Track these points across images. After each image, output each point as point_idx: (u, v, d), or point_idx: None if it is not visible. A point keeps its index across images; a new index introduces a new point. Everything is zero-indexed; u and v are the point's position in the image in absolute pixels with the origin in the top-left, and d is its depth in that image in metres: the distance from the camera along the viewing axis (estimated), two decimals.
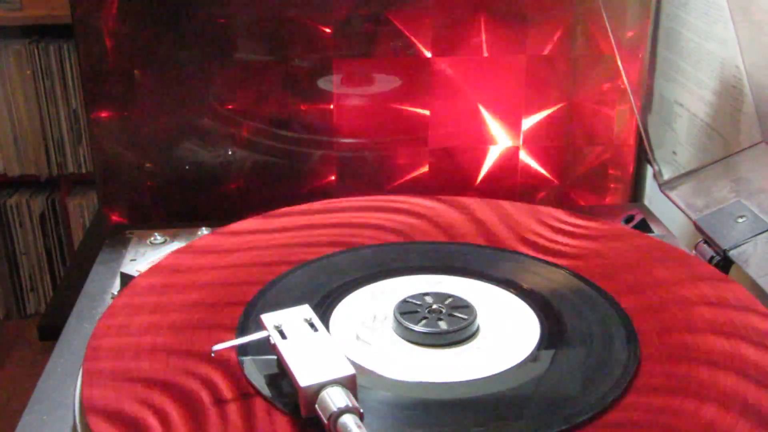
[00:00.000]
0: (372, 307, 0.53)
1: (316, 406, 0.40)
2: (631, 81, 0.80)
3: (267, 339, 0.45)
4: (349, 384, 0.41)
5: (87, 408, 0.43)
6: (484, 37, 0.80)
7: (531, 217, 0.66)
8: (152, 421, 0.42)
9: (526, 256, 0.60)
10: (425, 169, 0.85)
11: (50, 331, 0.89)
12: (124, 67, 0.77)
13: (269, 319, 0.46)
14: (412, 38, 0.79)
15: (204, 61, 0.78)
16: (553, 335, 0.50)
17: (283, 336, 0.45)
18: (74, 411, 0.47)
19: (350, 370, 0.41)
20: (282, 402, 0.43)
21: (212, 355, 0.45)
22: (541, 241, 0.62)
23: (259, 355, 0.47)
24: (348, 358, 0.43)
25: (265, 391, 0.44)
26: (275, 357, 0.45)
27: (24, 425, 0.49)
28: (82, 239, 1.56)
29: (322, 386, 0.40)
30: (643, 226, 0.75)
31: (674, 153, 0.75)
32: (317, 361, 0.42)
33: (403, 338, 0.50)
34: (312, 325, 0.45)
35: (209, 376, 0.45)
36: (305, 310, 0.47)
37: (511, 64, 0.81)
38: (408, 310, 0.51)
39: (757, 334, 0.49)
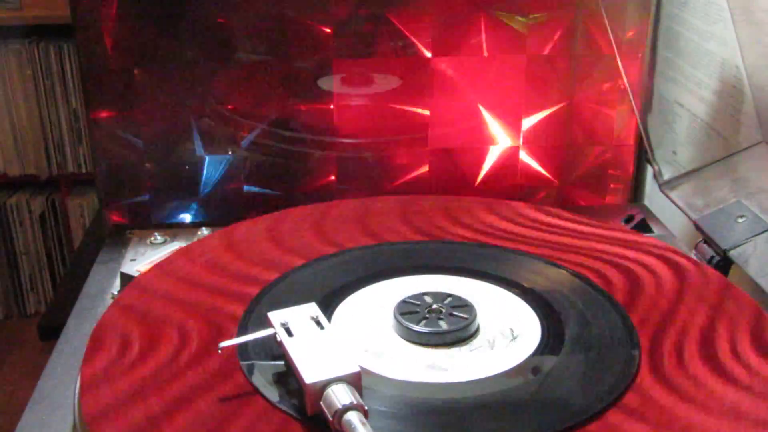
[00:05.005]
0: (372, 306, 0.53)
1: (321, 403, 0.40)
2: (631, 81, 0.80)
3: (273, 336, 0.45)
4: (354, 381, 0.41)
5: (86, 408, 0.43)
6: (484, 36, 0.80)
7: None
8: (153, 422, 0.42)
9: (527, 254, 0.60)
10: (425, 169, 0.85)
11: (50, 331, 0.89)
12: (124, 67, 0.77)
13: (276, 316, 0.46)
14: (412, 38, 0.79)
15: (204, 61, 0.78)
16: (553, 335, 0.50)
17: (289, 333, 0.45)
18: (74, 411, 0.47)
19: (355, 368, 0.41)
20: (286, 401, 0.43)
21: (219, 351, 0.45)
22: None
23: (263, 355, 0.47)
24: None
25: (268, 390, 0.44)
26: (281, 356, 0.45)
27: (24, 425, 0.49)
28: (82, 239, 1.55)
29: (327, 383, 0.41)
30: (643, 226, 0.75)
31: (674, 153, 0.75)
32: (323, 358, 0.42)
33: (403, 338, 0.50)
34: (318, 323, 0.46)
35: (212, 375, 0.45)
36: (312, 308, 0.47)
37: (511, 64, 0.81)
38: (408, 310, 0.51)
39: (757, 335, 0.49)
